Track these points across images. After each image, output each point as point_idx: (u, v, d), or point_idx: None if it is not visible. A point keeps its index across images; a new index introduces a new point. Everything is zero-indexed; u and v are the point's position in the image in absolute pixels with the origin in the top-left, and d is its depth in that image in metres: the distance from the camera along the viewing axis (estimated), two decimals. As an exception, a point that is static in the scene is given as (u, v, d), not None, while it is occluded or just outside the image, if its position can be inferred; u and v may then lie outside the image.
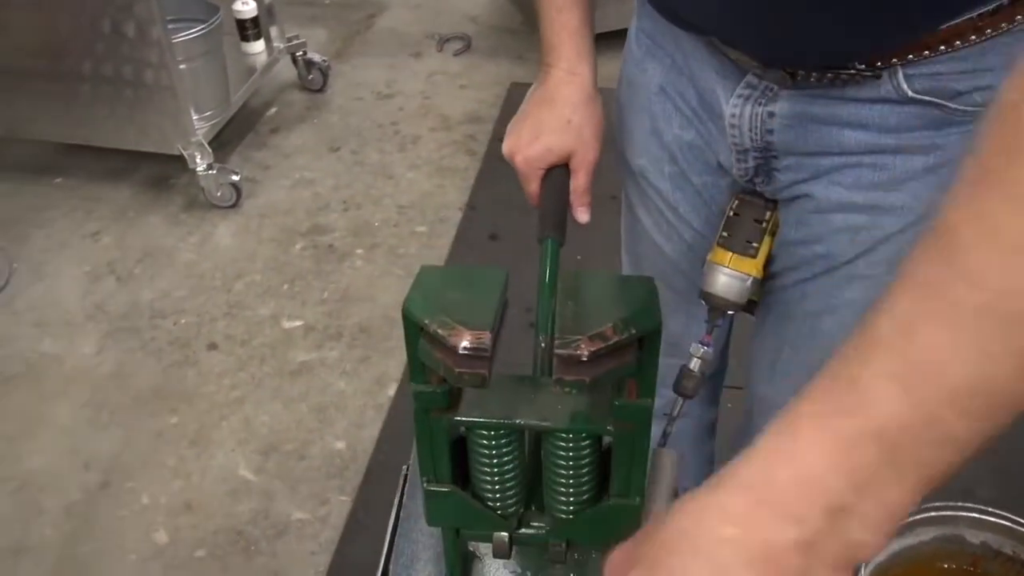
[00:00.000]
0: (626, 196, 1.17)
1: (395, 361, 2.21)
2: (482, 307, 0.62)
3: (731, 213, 0.96)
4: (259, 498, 1.90)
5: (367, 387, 2.15)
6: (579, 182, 0.98)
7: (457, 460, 0.76)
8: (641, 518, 0.76)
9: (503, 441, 0.74)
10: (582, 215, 1.00)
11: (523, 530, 0.80)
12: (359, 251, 2.57)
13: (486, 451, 0.75)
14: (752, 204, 0.96)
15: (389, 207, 2.75)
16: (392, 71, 3.40)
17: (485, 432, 0.73)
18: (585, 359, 0.57)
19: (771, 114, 0.88)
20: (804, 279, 0.98)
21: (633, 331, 0.60)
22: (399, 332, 2.37)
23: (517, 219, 2.66)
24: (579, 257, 2.51)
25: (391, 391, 2.13)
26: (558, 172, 0.98)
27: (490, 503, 0.79)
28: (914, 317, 0.42)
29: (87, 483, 1.94)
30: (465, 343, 0.58)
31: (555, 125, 0.97)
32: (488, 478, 0.77)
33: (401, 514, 0.94)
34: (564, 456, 0.74)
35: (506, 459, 0.75)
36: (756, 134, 0.90)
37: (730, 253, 0.96)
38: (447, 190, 2.81)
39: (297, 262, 2.54)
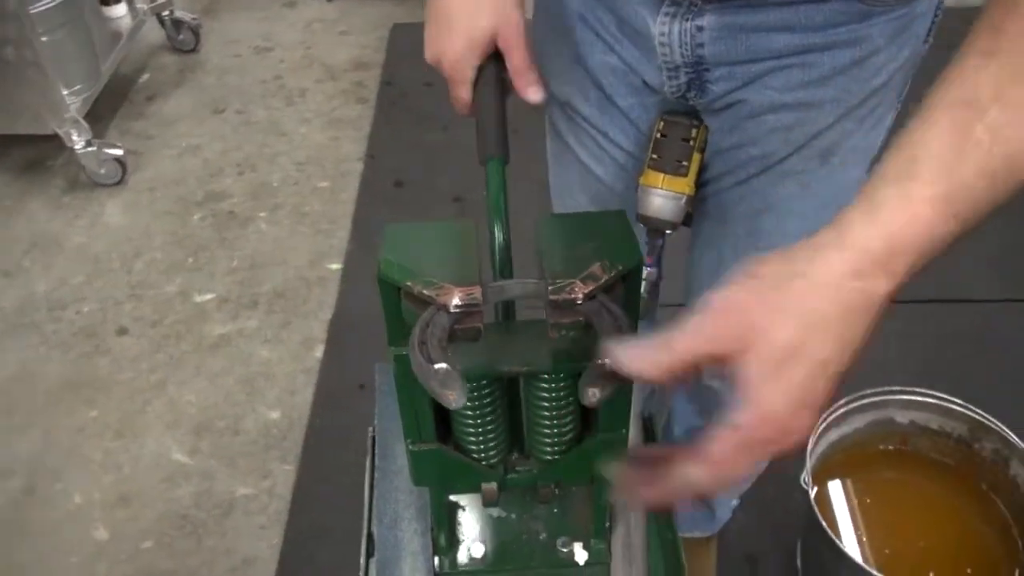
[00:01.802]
0: (552, 125, 1.16)
1: (317, 322, 2.16)
2: (462, 261, 0.60)
3: (658, 135, 0.97)
4: (199, 479, 1.85)
5: (293, 352, 2.10)
6: (515, 61, 0.88)
7: (438, 417, 0.75)
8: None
9: (485, 391, 0.73)
10: (532, 95, 0.89)
11: (511, 476, 0.80)
12: (262, 214, 2.49)
13: (469, 403, 0.74)
14: (678, 124, 0.97)
15: (286, 165, 2.66)
16: (267, 23, 3.26)
17: (469, 384, 0.72)
18: (580, 302, 0.57)
19: (699, 28, 0.88)
20: (739, 181, 1.00)
21: (620, 267, 0.59)
22: (317, 293, 2.34)
23: (420, 163, 2.62)
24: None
25: (318, 353, 2.09)
26: (487, 78, 0.91)
27: (475, 455, 0.78)
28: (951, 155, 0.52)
29: (11, 490, 1.84)
30: (456, 300, 0.56)
31: (468, 10, 0.88)
32: (472, 430, 0.76)
33: (376, 476, 0.93)
34: (547, 398, 0.73)
35: (488, 409, 0.74)
36: (687, 49, 0.90)
37: (662, 174, 0.96)
38: (343, 142, 2.74)
39: (198, 233, 2.44)
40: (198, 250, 2.39)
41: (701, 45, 0.90)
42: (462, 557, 0.88)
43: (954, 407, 1.55)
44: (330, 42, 3.16)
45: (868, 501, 1.56)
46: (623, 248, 0.61)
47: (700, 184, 1.01)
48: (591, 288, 0.57)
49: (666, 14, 0.90)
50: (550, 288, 0.57)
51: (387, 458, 0.94)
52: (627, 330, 0.56)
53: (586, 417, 0.76)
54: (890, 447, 1.60)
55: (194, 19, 3.06)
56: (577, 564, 0.87)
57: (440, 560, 0.87)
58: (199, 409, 1.99)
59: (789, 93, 0.91)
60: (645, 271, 1.04)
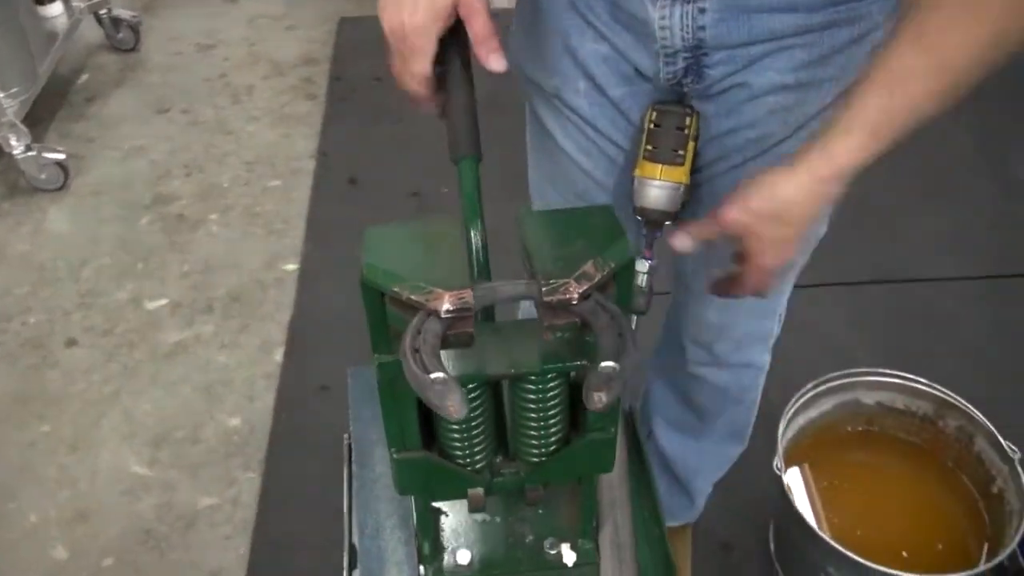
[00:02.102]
0: (536, 120, 1.14)
1: (275, 325, 2.12)
2: (450, 263, 0.58)
3: (651, 125, 0.95)
4: (159, 492, 1.80)
5: (251, 357, 2.05)
6: (477, 28, 0.82)
7: (422, 423, 0.73)
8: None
9: (472, 396, 0.71)
10: (495, 63, 0.84)
11: (497, 479, 0.78)
12: (212, 216, 2.43)
13: (453, 409, 0.72)
14: (671, 113, 0.95)
15: (235, 165, 2.60)
16: (209, 19, 3.18)
17: (456, 391, 0.69)
18: (575, 302, 0.55)
19: (702, 10, 0.87)
20: (735, 165, 1.00)
21: (612, 264, 0.58)
22: (274, 295, 2.28)
23: (374, 159, 2.58)
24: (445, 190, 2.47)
25: (278, 357, 2.04)
26: (454, 68, 0.88)
27: (460, 460, 0.76)
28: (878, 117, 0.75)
29: (-39, 511, 1.77)
30: (447, 305, 0.54)
31: None
32: (458, 436, 0.74)
33: (354, 485, 0.90)
34: (535, 400, 0.71)
35: (475, 413, 0.72)
36: (688, 33, 0.89)
37: (659, 165, 0.95)
38: (294, 139, 2.68)
39: (147, 238, 2.37)
40: (148, 255, 2.32)
41: (703, 28, 0.88)
42: (448, 565, 0.86)
43: (919, 386, 1.56)
44: (276, 37, 3.09)
45: (838, 483, 1.58)
46: (613, 244, 0.59)
47: (693, 171, 1.00)
48: (585, 287, 0.55)
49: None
50: (544, 289, 0.55)
51: (365, 466, 0.91)
52: (625, 329, 0.54)
53: (574, 417, 0.75)
54: (858, 428, 1.61)
55: (133, 17, 2.97)
56: (566, 566, 0.86)
57: (425, 569, 0.85)
58: (156, 419, 1.93)
59: (790, 74, 0.90)
60: (646, 264, 1.02)
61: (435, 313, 0.54)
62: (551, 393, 0.71)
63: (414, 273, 0.56)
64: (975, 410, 1.51)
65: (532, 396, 0.71)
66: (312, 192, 2.48)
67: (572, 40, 0.97)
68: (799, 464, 1.59)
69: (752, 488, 1.62)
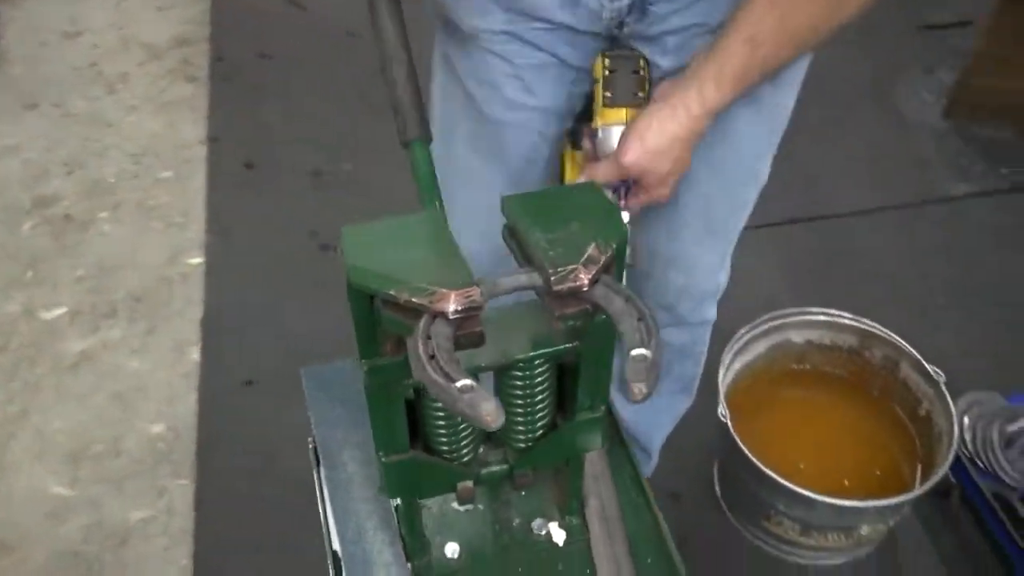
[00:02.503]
0: (448, 70, 1.09)
1: (187, 323, 2.02)
2: (447, 260, 0.54)
3: (606, 72, 0.93)
4: (85, 511, 1.70)
5: (165, 359, 1.95)
6: None
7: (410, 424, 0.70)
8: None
9: (459, 389, 0.68)
10: None
11: (486, 469, 0.76)
12: (102, 215, 2.29)
13: (441, 405, 0.69)
14: (624, 57, 0.94)
15: (119, 158, 2.45)
16: (73, 5, 2.97)
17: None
18: (586, 288, 0.53)
19: None
20: None
21: (614, 244, 0.55)
22: (181, 292, 2.16)
23: (269, 140, 2.48)
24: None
25: (194, 355, 1.95)
26: (396, 51, 0.84)
27: (447, 455, 0.73)
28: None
29: None
30: (455, 305, 0.51)
31: None
32: (444, 431, 0.71)
33: (326, 489, 0.86)
34: (522, 387, 0.70)
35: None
36: None
37: (622, 108, 0.94)
38: (179, 126, 2.55)
39: (32, 243, 2.22)
40: (36, 262, 2.17)
41: None
42: (437, 559, 0.83)
43: (844, 321, 1.61)
44: (147, 20, 2.92)
45: (777, 422, 1.62)
46: (609, 222, 0.57)
47: None
48: (594, 272, 0.53)
49: None
50: (553, 278, 0.52)
51: (335, 468, 0.87)
52: (643, 311, 0.52)
53: (560, 400, 0.73)
54: (791, 367, 1.66)
55: (-14, 6, 2.75)
56: (556, 545, 0.85)
57: (415, 567, 0.82)
58: (70, 435, 1.82)
59: (721, 13, 0.90)
60: (626, 215, 1.00)
61: (442, 315, 0.51)
62: (539, 379, 0.69)
63: (409, 273, 0.53)
64: (899, 339, 1.57)
65: (520, 383, 0.69)
66: (208, 180, 2.36)
67: None
68: (739, 406, 1.62)
69: (694, 437, 1.64)
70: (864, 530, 1.48)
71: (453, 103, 1.09)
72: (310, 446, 0.91)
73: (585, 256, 0.53)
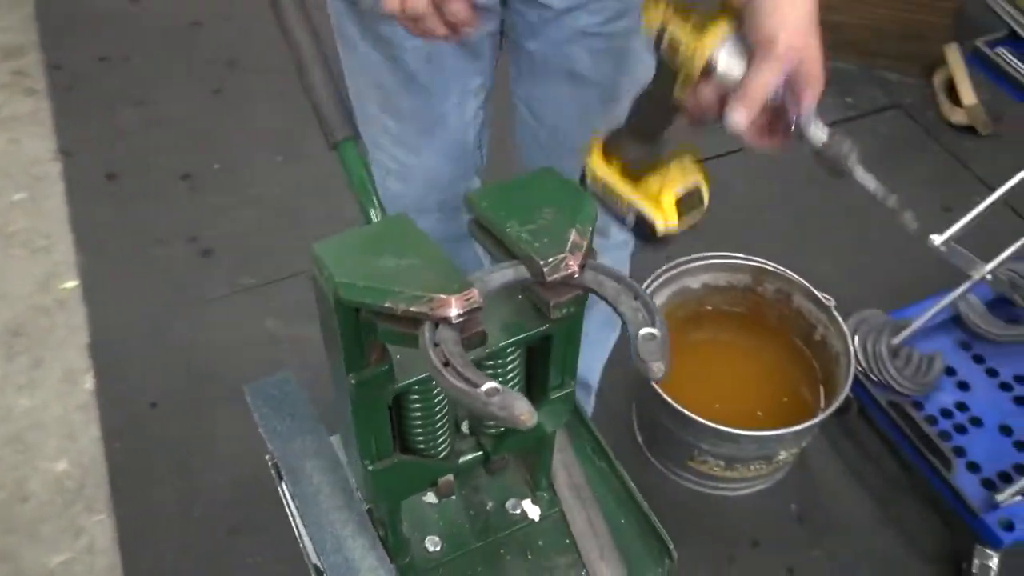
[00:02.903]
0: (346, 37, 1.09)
1: (73, 349, 1.92)
2: (435, 264, 0.54)
3: None
4: (0, 564, 1.61)
5: (57, 392, 1.85)
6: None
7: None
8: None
9: (435, 389, 0.69)
10: None
11: (463, 460, 0.77)
12: (-45, 248, 2.13)
13: (419, 404, 0.69)
14: None
15: (-38, 185, 2.28)
16: None
17: (419, 387, 0.67)
18: (577, 275, 0.54)
19: None
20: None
21: (591, 227, 0.57)
22: (62, 319, 2.06)
23: (127, 148, 2.36)
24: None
25: (88, 384, 1.86)
26: (309, 52, 0.82)
27: (424, 452, 0.74)
28: None
29: None
30: (457, 309, 0.51)
31: None
32: (421, 429, 0.72)
33: (296, 504, 0.85)
34: (495, 375, 0.71)
35: (437, 404, 0.70)
36: None
37: (717, 21, 0.69)
38: (24, 143, 2.39)
39: None
40: None
41: None
42: (420, 556, 0.84)
43: (736, 261, 1.69)
44: (-35, 32, 2.70)
45: (687, 366, 1.69)
46: (581, 205, 0.59)
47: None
48: (581, 257, 0.54)
49: None
50: (545, 269, 0.53)
51: (300, 483, 0.86)
52: (637, 288, 0.54)
53: (529, 381, 0.74)
54: (691, 311, 1.73)
55: None
56: (533, 521, 0.87)
57: (399, 567, 0.83)
58: (-35, 487, 1.71)
59: None
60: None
61: (444, 320, 0.51)
62: (511, 365, 0.70)
63: (402, 283, 0.53)
64: (788, 271, 1.66)
65: (492, 372, 0.70)
66: (68, 197, 2.23)
67: None
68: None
69: (609, 388, 1.69)
70: (782, 455, 1.58)
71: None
72: (269, 463, 0.89)
73: (570, 243, 0.54)
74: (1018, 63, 2.27)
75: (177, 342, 1.92)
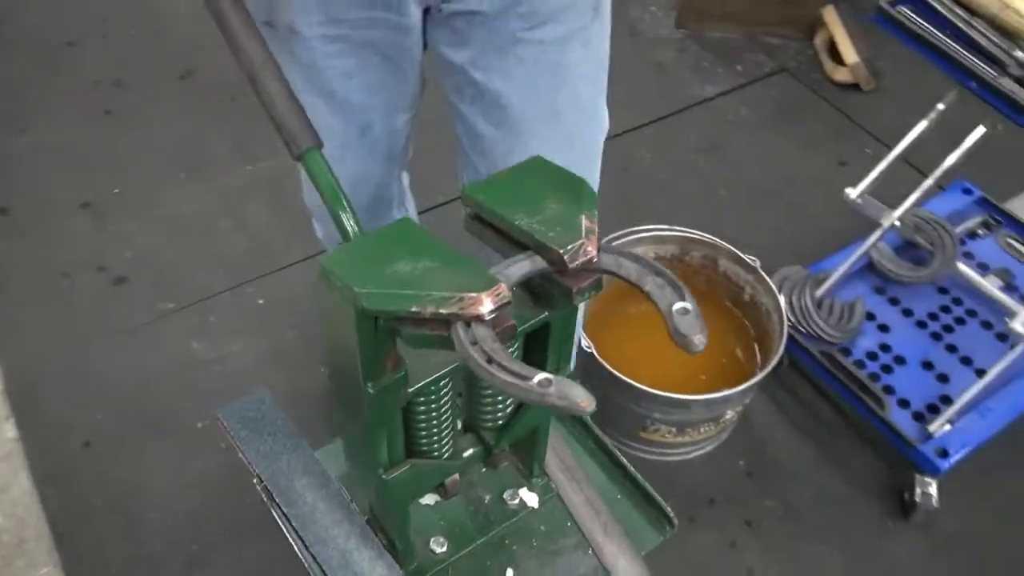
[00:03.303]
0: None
1: (-13, 399, 1.81)
2: (457, 264, 0.54)
3: None
4: (-62, 634, 1.51)
5: (-24, 444, 1.75)
6: None
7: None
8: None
9: (444, 391, 0.69)
10: None
11: (465, 456, 0.77)
12: None
13: (426, 407, 0.69)
14: None
15: None
16: None
17: (431, 389, 0.67)
18: (596, 259, 0.55)
19: None
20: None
21: (596, 211, 0.58)
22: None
23: (16, 179, 2.23)
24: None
25: (9, 432, 1.76)
26: (262, 66, 0.80)
27: (429, 454, 0.74)
28: None
29: None
30: (490, 305, 0.51)
31: None
32: (427, 431, 0.72)
33: (295, 525, 0.84)
34: (497, 367, 0.71)
35: (444, 404, 0.70)
36: None
37: None
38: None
39: None
40: None
41: None
42: (427, 559, 0.84)
43: (661, 233, 1.73)
44: None
45: (626, 337, 1.72)
46: (580, 191, 0.59)
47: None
48: (596, 241, 0.55)
49: None
50: (566, 256, 0.54)
51: (294, 504, 0.85)
52: (654, 265, 0.55)
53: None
54: (624, 286, 1.75)
55: None
56: (533, 508, 0.88)
57: (409, 572, 0.82)
58: None
59: None
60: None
61: (477, 318, 0.51)
62: (512, 355, 0.71)
63: (427, 285, 0.53)
64: (713, 237, 1.71)
65: (494, 365, 0.70)
66: (-42, 239, 2.10)
67: None
68: (592, 334, 1.71)
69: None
70: (728, 415, 1.63)
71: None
72: (258, 486, 0.87)
73: (584, 229, 0.55)
74: (920, 20, 2.40)
75: (101, 377, 1.84)
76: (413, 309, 0.52)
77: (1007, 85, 2.48)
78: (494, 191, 0.61)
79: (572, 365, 1.61)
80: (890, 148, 1.71)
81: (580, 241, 0.55)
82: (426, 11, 1.00)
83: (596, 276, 0.56)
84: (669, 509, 0.87)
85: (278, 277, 2.01)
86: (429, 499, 0.87)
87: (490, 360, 0.49)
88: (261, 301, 1.98)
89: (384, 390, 0.60)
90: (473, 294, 0.51)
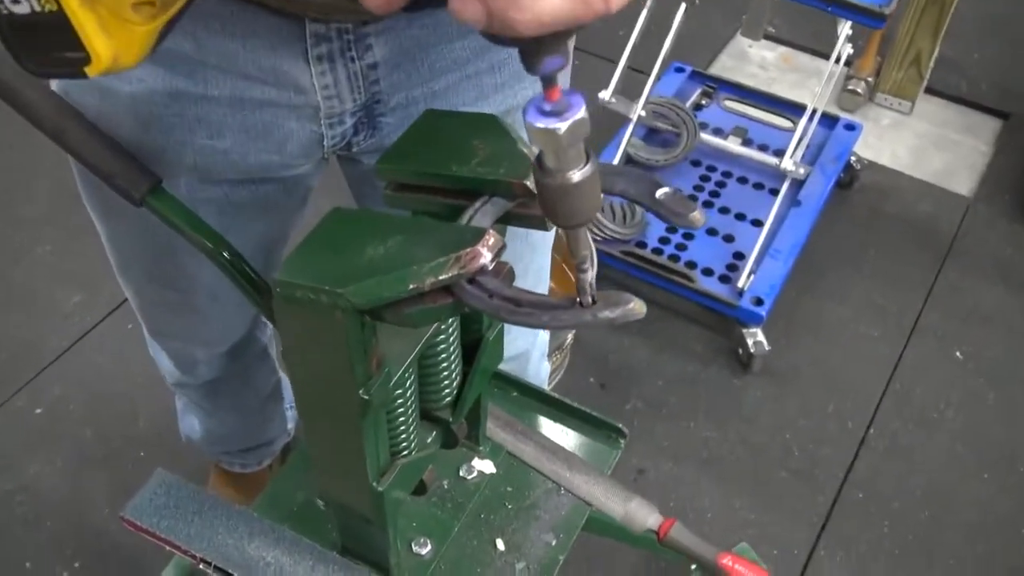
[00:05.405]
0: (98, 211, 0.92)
1: None
2: (424, 229, 0.50)
3: None
4: None
5: None
6: None
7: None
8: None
9: (410, 378, 0.65)
10: None
11: (430, 440, 0.74)
12: None
13: (404, 397, 0.66)
14: None
15: None
16: None
17: (407, 375, 0.63)
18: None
19: (372, 66, 0.74)
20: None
21: (525, 136, 0.56)
22: None
23: None
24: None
25: None
26: (60, 119, 0.69)
27: (405, 451, 0.70)
28: None
29: None
30: (488, 254, 0.48)
31: None
32: (404, 425, 0.69)
33: None
34: (444, 349, 0.69)
35: (411, 392, 0.67)
36: (359, 92, 0.76)
37: None
38: None
39: None
40: None
41: (376, 81, 0.76)
42: (414, 563, 0.80)
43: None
44: None
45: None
46: (494, 126, 0.58)
47: None
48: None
49: (319, 57, 0.72)
50: (530, 184, 0.52)
51: (256, 570, 0.77)
52: (615, 168, 0.54)
53: (464, 325, 0.72)
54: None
55: None
56: (494, 473, 0.86)
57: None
58: None
59: (485, 103, 0.81)
60: None
61: (480, 270, 0.48)
62: (451, 334, 0.69)
63: (407, 260, 0.49)
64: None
65: (442, 345, 0.68)
66: None
67: (177, 136, 0.75)
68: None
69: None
70: (568, 339, 1.68)
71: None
72: (209, 571, 0.78)
73: (532, 157, 0.53)
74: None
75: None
76: (412, 287, 0.48)
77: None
78: (408, 154, 0.57)
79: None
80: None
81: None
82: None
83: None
84: (615, 421, 0.88)
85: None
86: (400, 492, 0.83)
87: (519, 303, 0.47)
88: (39, 411, 1.76)
89: (377, 392, 0.56)
90: (468, 249, 0.48)
